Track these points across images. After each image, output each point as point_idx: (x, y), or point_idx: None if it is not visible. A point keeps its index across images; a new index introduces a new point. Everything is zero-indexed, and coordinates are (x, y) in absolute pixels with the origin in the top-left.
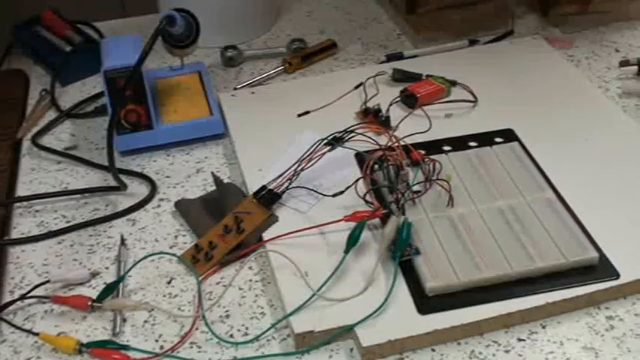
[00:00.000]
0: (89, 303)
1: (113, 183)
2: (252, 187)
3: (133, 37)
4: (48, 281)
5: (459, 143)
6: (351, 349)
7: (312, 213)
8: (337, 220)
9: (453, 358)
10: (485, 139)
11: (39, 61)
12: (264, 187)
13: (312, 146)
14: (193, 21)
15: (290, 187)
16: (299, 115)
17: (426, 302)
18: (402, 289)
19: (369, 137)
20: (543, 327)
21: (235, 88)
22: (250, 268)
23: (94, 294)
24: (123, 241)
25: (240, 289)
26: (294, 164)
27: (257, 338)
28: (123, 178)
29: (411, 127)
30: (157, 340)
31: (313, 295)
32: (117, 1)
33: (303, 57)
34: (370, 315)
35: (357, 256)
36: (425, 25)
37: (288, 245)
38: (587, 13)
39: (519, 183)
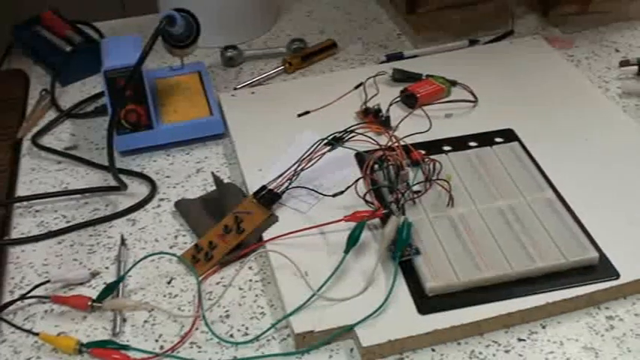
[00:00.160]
0: (89, 303)
1: (113, 183)
2: (252, 187)
3: (133, 37)
4: (48, 281)
5: (459, 143)
6: (351, 349)
7: (312, 213)
8: (337, 220)
9: (453, 358)
10: (485, 139)
11: (39, 61)
12: (264, 187)
13: (312, 146)
14: (193, 21)
15: (290, 187)
16: (299, 115)
17: (426, 302)
18: (402, 289)
19: (369, 137)
20: (543, 327)
21: (235, 88)
22: (250, 268)
23: (94, 294)
24: (123, 241)
25: (240, 289)
26: (294, 164)
27: (257, 338)
28: (123, 178)
29: (411, 127)
30: (157, 340)
31: (313, 295)
32: (117, 1)
33: (303, 57)
34: (370, 315)
35: (357, 256)
36: (425, 25)
37: (288, 245)
38: (587, 13)
39: (519, 183)
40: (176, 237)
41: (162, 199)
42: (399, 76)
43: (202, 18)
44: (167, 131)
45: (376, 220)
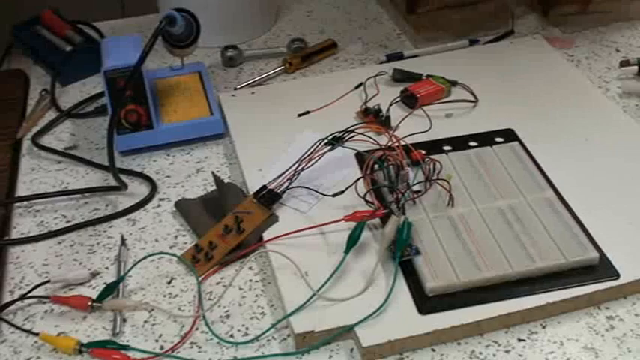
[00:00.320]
0: (89, 303)
1: (113, 183)
2: (253, 187)
3: (133, 37)
4: (48, 281)
5: (460, 143)
6: (352, 349)
7: (313, 213)
8: (337, 220)
9: (453, 358)
10: (485, 139)
11: (39, 60)
12: (264, 187)
13: (313, 146)
14: (194, 21)
15: (290, 187)
16: (299, 115)
17: (426, 302)
18: (402, 289)
19: (370, 137)
20: (543, 327)
21: (235, 88)
22: (250, 268)
23: (94, 294)
24: (123, 241)
25: (241, 289)
26: (295, 164)
27: (257, 338)
28: (123, 178)
29: (411, 127)
30: (157, 340)
31: (313, 295)
32: (117, 1)
33: (303, 57)
34: (370, 315)
35: (358, 256)
36: (425, 25)
37: (288, 245)
38: (587, 13)
39: (519, 183)
40: (176, 237)
41: (162, 199)
42: (400, 76)
43: (202, 18)
44: (167, 131)
45: (376, 220)
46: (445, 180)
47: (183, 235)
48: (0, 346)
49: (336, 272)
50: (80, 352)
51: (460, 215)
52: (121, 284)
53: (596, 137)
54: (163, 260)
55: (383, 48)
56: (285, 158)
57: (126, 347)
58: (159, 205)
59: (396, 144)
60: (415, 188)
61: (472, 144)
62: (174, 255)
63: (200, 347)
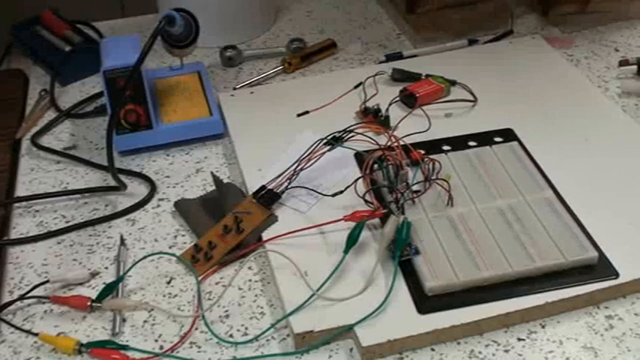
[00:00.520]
0: (89, 303)
1: (113, 183)
2: (252, 187)
3: (133, 37)
4: (47, 281)
5: (459, 143)
6: (351, 349)
7: (312, 213)
8: (337, 220)
9: (452, 358)
10: (484, 139)
11: (38, 61)
12: (263, 187)
13: (312, 146)
14: (193, 21)
15: (290, 186)
16: (298, 115)
17: (426, 302)
18: (402, 288)
19: (369, 137)
20: (543, 326)
21: (235, 88)
22: (250, 268)
23: (93, 294)
24: (122, 241)
25: (240, 289)
26: (294, 164)
27: (256, 338)
28: (122, 178)
29: (410, 127)
30: (156, 340)
31: (313, 295)
32: (116, 1)
33: (302, 57)
34: (370, 315)
35: (357, 256)
36: (424, 24)
37: (287, 245)
38: (587, 13)
39: (519, 182)
40: (175, 237)
41: (161, 199)
42: (399, 76)
43: (202, 18)
44: (166, 131)
45: (376, 220)
46: (444, 180)
47: (183, 235)
48: None
49: (336, 272)
50: (80, 352)
51: (459, 215)
52: (120, 284)
53: (596, 137)
54: (163, 260)
55: (382, 48)
56: (284, 158)
57: (125, 347)
58: (158, 205)
59: (396, 144)
60: (414, 188)
61: (471, 144)
62: (173, 255)
63: (199, 347)
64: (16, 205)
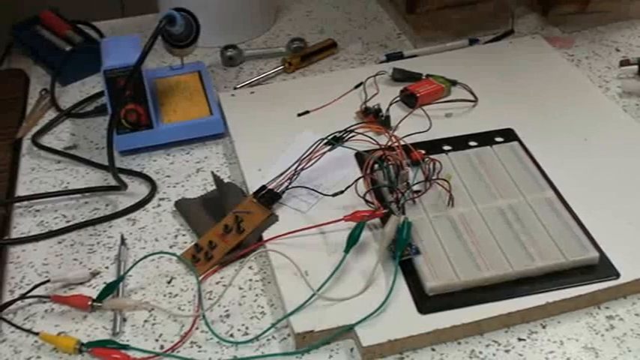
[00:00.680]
0: (89, 303)
1: (113, 182)
2: (253, 186)
3: (133, 36)
4: (48, 281)
5: (459, 143)
6: (352, 349)
7: (313, 213)
8: (337, 220)
9: (453, 358)
10: (485, 139)
11: (39, 60)
12: (264, 187)
13: (312, 146)
14: (193, 21)
15: (290, 186)
16: (299, 115)
17: (426, 302)
18: (402, 288)
19: (369, 137)
20: (543, 327)
21: (235, 88)
22: (250, 267)
23: (94, 294)
24: (123, 241)
25: (241, 288)
26: (294, 164)
27: (257, 338)
28: (123, 177)
29: (411, 127)
30: (157, 340)
31: (313, 295)
32: (117, 1)
33: (303, 56)
34: (370, 315)
35: (358, 256)
36: (425, 24)
37: (288, 245)
38: (587, 13)
39: (519, 182)
40: (176, 236)
41: (162, 199)
42: (399, 76)
43: (202, 18)
44: (167, 131)
45: (376, 220)
46: (445, 180)
47: (183, 235)
48: (0, 346)
49: (336, 272)
50: (80, 351)
51: (460, 215)
52: (121, 284)
53: (596, 137)
54: (163, 260)
55: (383, 48)
56: (284, 158)
57: (126, 347)
58: (159, 205)
59: (396, 144)
60: (415, 188)
61: (472, 144)
62: (174, 255)
63: (200, 347)
64: (17, 204)
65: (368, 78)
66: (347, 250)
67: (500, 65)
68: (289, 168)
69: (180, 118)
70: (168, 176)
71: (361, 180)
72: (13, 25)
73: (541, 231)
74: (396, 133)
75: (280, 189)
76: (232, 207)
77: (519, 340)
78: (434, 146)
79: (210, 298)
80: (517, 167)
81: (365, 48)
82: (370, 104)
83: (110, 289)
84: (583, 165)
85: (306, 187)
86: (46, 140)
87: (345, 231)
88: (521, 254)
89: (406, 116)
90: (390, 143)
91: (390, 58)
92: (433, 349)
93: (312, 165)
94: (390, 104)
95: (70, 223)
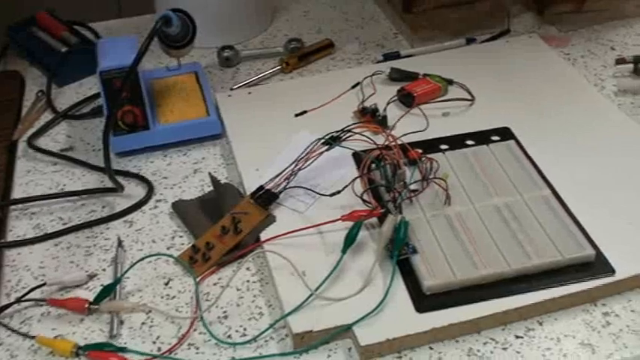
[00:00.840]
0: (86, 305)
1: (110, 184)
2: (250, 187)
3: (129, 37)
4: (44, 284)
5: (456, 142)
6: (349, 349)
7: (310, 213)
8: (335, 220)
9: (450, 356)
10: (482, 138)
11: (35, 62)
12: (261, 188)
13: (310, 146)
14: (190, 21)
15: (287, 187)
16: (296, 115)
17: (424, 300)
18: (400, 287)
19: (367, 137)
20: (540, 324)
21: (232, 89)
22: (248, 268)
23: (91, 296)
24: (120, 243)
25: (238, 289)
26: (292, 164)
27: (255, 339)
28: (119, 179)
29: (408, 126)
30: (154, 342)
31: (311, 295)
32: (113, 2)
33: (300, 57)
34: (368, 314)
35: (355, 256)
36: (421, 24)
37: (285, 245)
38: (583, 12)
39: (516, 181)
40: (173, 238)
41: (159, 200)
42: (396, 76)
43: (199, 18)
44: (164, 132)
45: (374, 220)
46: (442, 179)
47: (181, 237)
48: None
49: (334, 272)
50: (77, 355)
51: (457, 214)
52: (118, 286)
53: (592, 135)
54: (160, 262)
55: (380, 47)
56: (282, 158)
57: (123, 349)
58: (156, 207)
59: (393, 143)
60: (412, 187)
61: (469, 142)
62: (171, 256)
63: (198, 348)
64: (13, 207)
65: (365, 78)
66: (344, 250)
67: (496, 64)
68: (287, 168)
69: (177, 118)
70: (165, 177)
71: (358, 180)
72: (8, 26)
73: (537, 229)
74: (393, 133)
75: (278, 189)
76: (230, 208)
77: (516, 337)
78: (431, 145)
79: (207, 300)
80: (514, 166)
81: (362, 48)
82: (367, 104)
83: (107, 291)
84: (579, 163)
85: (304, 188)
86: (42, 142)
87: (342, 231)
88: (517, 252)
89: (403, 116)
90: (387, 143)
91: (387, 57)
92: (431, 348)
93: (309, 165)
94: (387, 104)
95: (67, 226)
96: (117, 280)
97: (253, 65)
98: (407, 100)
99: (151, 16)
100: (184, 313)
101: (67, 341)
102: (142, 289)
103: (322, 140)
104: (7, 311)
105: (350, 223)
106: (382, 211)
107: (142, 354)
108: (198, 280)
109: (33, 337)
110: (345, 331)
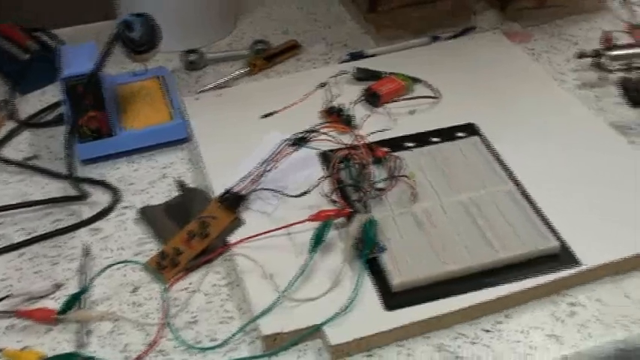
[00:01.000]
0: (53, 316)
1: (75, 192)
2: (218, 190)
3: (90, 43)
4: (8, 295)
5: (422, 139)
6: (319, 349)
7: (279, 214)
8: (302, 221)
9: (421, 353)
10: (447, 134)
11: None
12: (228, 190)
13: (277, 147)
14: (153, 26)
15: (255, 189)
16: (263, 117)
17: (393, 298)
18: (369, 286)
19: (334, 136)
20: (508, 317)
21: (199, 92)
22: (217, 272)
23: (57, 306)
24: (86, 251)
25: (207, 294)
26: (259, 166)
27: (225, 342)
28: (85, 186)
29: (374, 125)
30: (123, 350)
31: (280, 297)
32: (79, 7)
33: (266, 58)
34: (338, 314)
35: (324, 256)
36: (386, 23)
37: (254, 248)
38: (545, 7)
39: (481, 176)
40: (141, 244)
41: (126, 207)
42: (362, 75)
43: (162, 22)
44: (129, 138)
45: (343, 219)
46: (408, 176)
47: (149, 243)
48: None
49: (304, 273)
50: None
51: (424, 210)
52: (85, 295)
53: (556, 129)
54: (128, 269)
55: (346, 47)
56: (250, 160)
57: (91, 359)
58: (122, 213)
59: (360, 142)
60: (379, 186)
61: (435, 140)
62: (138, 263)
63: (167, 355)
64: None
65: (331, 78)
66: (312, 251)
67: (461, 61)
68: (254, 170)
69: (143, 124)
70: (131, 184)
71: (326, 180)
72: None
73: (503, 223)
74: (359, 132)
75: (245, 192)
76: (197, 212)
77: (485, 331)
78: (397, 143)
79: (176, 305)
80: (479, 161)
81: (328, 48)
82: (334, 104)
83: (74, 300)
84: (543, 157)
85: (271, 189)
86: (6, 152)
87: (311, 231)
88: (484, 247)
89: (369, 115)
90: (353, 142)
91: (353, 57)
92: (401, 345)
93: (277, 166)
94: (354, 103)
95: (31, 236)
96: (83, 289)
97: (219, 68)
98: (373, 99)
99: (114, 22)
100: (153, 320)
101: (34, 352)
102: (110, 297)
103: (289, 141)
104: None
105: (319, 224)
106: (350, 210)
107: None
108: (166, 285)
109: (0, 350)
110: (315, 331)
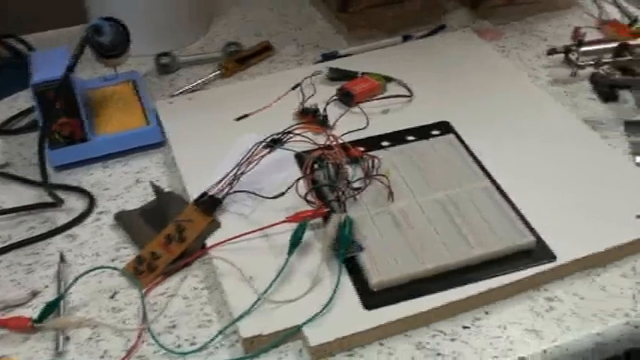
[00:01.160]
0: (29, 324)
1: (49, 199)
2: (193, 194)
3: (61, 49)
4: None
5: (397, 138)
6: (300, 350)
7: (255, 216)
8: (279, 222)
9: (401, 351)
10: (422, 133)
11: None
12: (204, 194)
13: (252, 149)
14: (123, 30)
15: (231, 191)
16: (237, 119)
17: (371, 297)
18: (348, 286)
19: (308, 137)
20: (487, 313)
21: (172, 96)
22: (195, 276)
23: (34, 314)
24: (62, 258)
25: (186, 297)
26: (234, 168)
27: (205, 346)
28: (59, 193)
29: (348, 125)
30: (102, 357)
31: (259, 299)
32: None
33: (239, 60)
34: (317, 314)
35: (302, 257)
36: (358, 23)
37: (232, 250)
38: (515, 4)
39: (457, 174)
40: (118, 250)
41: (101, 212)
42: (335, 75)
43: (134, 26)
44: (103, 143)
45: (319, 220)
46: (384, 175)
47: (125, 248)
48: None
49: (281, 274)
50: None
51: (400, 209)
52: (62, 302)
53: (529, 124)
54: (105, 275)
55: (318, 48)
56: (225, 163)
57: None
58: (98, 219)
59: (335, 142)
60: (355, 185)
61: (409, 138)
62: (115, 268)
63: None
64: None
65: (305, 79)
66: (290, 252)
67: (433, 60)
68: (229, 173)
69: (116, 129)
70: (106, 189)
71: (302, 180)
72: None
73: (479, 220)
74: (334, 132)
75: (221, 194)
76: (174, 216)
77: (464, 328)
78: (372, 143)
79: (155, 310)
80: (454, 159)
81: (301, 49)
82: (308, 105)
83: (51, 308)
84: (517, 153)
85: (247, 192)
86: None
87: (289, 233)
88: (461, 244)
89: (343, 114)
90: (328, 142)
91: (326, 57)
92: (381, 344)
93: (252, 168)
94: (327, 103)
95: (6, 244)
96: (60, 296)
97: (192, 71)
98: (346, 99)
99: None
100: (132, 326)
101: None
102: (88, 304)
103: (264, 143)
104: None
105: (296, 225)
106: (327, 210)
107: None
108: (144, 290)
109: None
110: (295, 332)
